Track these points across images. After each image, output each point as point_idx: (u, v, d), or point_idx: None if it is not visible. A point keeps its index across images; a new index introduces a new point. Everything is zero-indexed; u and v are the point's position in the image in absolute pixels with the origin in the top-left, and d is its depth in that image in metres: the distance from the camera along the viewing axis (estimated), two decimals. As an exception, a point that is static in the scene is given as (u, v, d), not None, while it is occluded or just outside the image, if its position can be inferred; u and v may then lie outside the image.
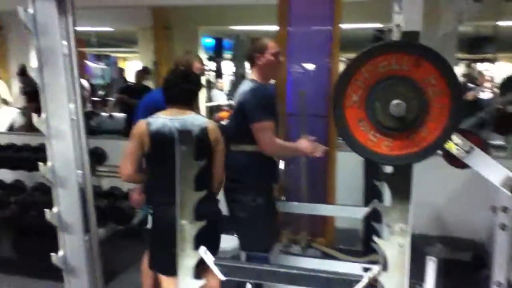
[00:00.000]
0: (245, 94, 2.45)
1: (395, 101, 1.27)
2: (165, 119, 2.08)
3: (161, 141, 1.96)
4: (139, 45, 8.73)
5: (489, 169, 1.52)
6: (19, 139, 4.59)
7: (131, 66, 15.01)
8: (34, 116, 3.92)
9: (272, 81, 2.79)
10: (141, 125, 2.07)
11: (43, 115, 1.40)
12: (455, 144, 1.54)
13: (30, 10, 1.34)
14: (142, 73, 7.40)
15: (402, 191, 1.53)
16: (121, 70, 12.44)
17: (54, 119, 1.42)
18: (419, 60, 1.32)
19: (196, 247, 1.60)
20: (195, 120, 2.16)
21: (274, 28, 3.90)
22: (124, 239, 4.04)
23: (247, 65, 5.10)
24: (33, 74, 1.38)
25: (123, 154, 2.08)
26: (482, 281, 2.86)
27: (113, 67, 16.43)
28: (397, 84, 1.32)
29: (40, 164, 1.45)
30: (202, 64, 2.81)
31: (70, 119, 1.40)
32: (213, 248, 2.15)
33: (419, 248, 3.76)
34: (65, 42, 1.37)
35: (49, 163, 1.44)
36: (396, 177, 1.51)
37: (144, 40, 8.30)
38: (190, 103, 2.22)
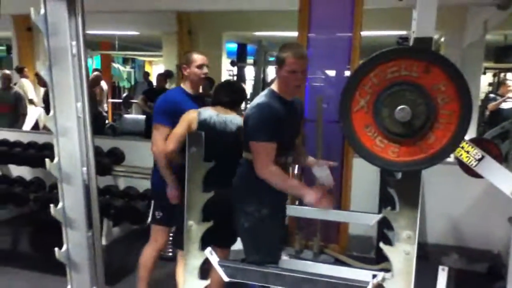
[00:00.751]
0: (251, 108, 2.27)
1: (400, 106, 1.26)
2: (212, 113, 2.50)
3: (206, 130, 2.14)
4: (163, 49, 8.86)
5: (501, 178, 1.49)
6: (41, 138, 4.70)
7: (157, 69, 15.29)
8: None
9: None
10: (192, 113, 2.50)
11: (51, 113, 1.44)
12: (466, 152, 1.52)
13: (42, 11, 1.39)
14: (163, 77, 7.51)
15: (410, 198, 1.52)
16: (146, 74, 12.67)
17: (61, 117, 1.46)
18: (429, 66, 1.31)
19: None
20: (234, 119, 2.51)
21: (297, 34, 3.91)
22: (138, 238, 4.08)
23: (269, 71, 5.02)
24: (42, 73, 1.42)
25: (171, 134, 2.46)
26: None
27: (139, 70, 16.76)
28: (404, 90, 1.31)
29: (47, 160, 1.48)
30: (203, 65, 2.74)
31: (77, 117, 1.44)
32: None
33: (435, 257, 3.74)
34: (74, 43, 1.41)
35: (55, 160, 1.47)
36: (404, 183, 1.50)
37: (168, 44, 8.42)
38: (234, 107, 2.60)
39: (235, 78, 10.36)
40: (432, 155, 1.33)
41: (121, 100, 11.88)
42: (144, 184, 4.26)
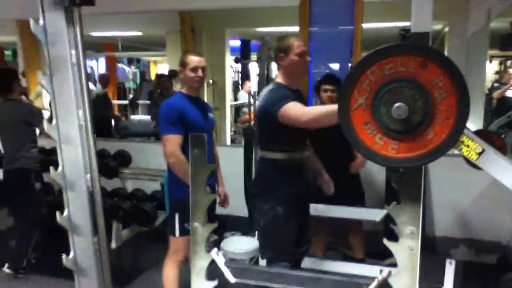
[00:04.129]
0: (263, 98, 2.35)
1: (396, 104, 1.26)
2: None
3: None
4: (167, 48, 8.87)
5: (502, 171, 1.48)
6: (50, 144, 4.73)
7: (162, 68, 15.33)
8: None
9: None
10: None
11: (53, 121, 1.46)
12: (466, 146, 1.51)
13: (41, 22, 1.40)
14: (163, 79, 7.36)
15: (412, 194, 1.52)
16: (144, 73, 12.64)
17: (64, 125, 1.47)
18: (425, 61, 1.31)
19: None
20: None
21: (298, 29, 3.91)
22: (147, 240, 4.11)
23: (273, 66, 5.08)
24: (43, 82, 1.44)
25: None
26: (507, 284, 2.78)
27: (144, 70, 16.81)
28: (402, 87, 1.30)
29: (51, 169, 1.50)
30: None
31: (79, 124, 1.45)
32: None
33: (443, 250, 3.72)
34: (73, 51, 1.43)
35: (59, 168, 1.49)
36: (405, 179, 1.50)
37: (171, 43, 8.43)
38: None
39: (239, 74, 10.36)
40: (431, 150, 1.33)
41: (127, 102, 11.92)
42: (151, 186, 4.30)
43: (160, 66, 16.75)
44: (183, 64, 2.60)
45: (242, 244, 3.49)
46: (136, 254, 3.87)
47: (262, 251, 2.51)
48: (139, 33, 9.19)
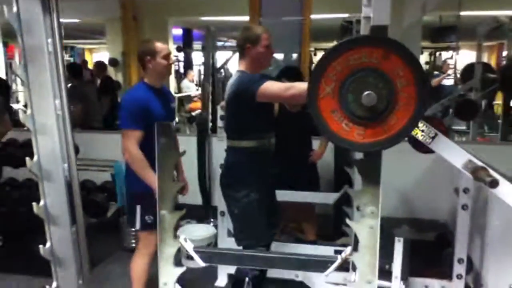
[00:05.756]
0: (233, 85, 2.36)
1: (366, 92, 1.35)
2: None
3: None
4: (107, 36, 8.60)
5: (452, 153, 1.63)
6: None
7: (98, 57, 14.78)
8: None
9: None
10: None
11: (28, 111, 1.42)
12: (421, 130, 1.65)
13: (14, 9, 1.36)
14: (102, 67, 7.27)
15: (372, 176, 1.62)
16: (85, 62, 12.18)
17: (40, 114, 1.43)
18: (387, 53, 1.41)
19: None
20: None
21: (245, 18, 3.96)
22: (98, 231, 4.03)
23: (217, 56, 5.07)
24: (18, 71, 1.39)
25: None
26: (447, 258, 3.03)
27: (77, 59, 16.10)
28: (367, 76, 1.40)
29: (27, 159, 1.47)
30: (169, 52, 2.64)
31: (56, 114, 1.43)
32: None
33: (387, 229, 3.95)
34: (50, 40, 1.39)
35: (35, 158, 1.46)
36: (366, 162, 1.60)
37: (112, 31, 8.18)
38: None
39: (181, 64, 10.24)
40: (394, 135, 1.44)
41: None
42: (101, 177, 4.22)
43: (96, 55, 16.15)
44: (151, 52, 2.53)
45: (199, 231, 3.55)
46: (88, 246, 3.78)
47: (238, 239, 2.52)
48: (77, 20, 8.83)
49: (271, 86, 2.24)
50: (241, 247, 2.47)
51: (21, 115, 1.41)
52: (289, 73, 3.47)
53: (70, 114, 1.46)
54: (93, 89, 6.41)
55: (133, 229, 3.18)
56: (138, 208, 2.58)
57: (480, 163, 1.63)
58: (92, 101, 5.90)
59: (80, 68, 6.57)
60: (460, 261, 2.82)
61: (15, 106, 7.25)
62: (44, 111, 1.42)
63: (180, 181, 2.90)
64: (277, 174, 2.72)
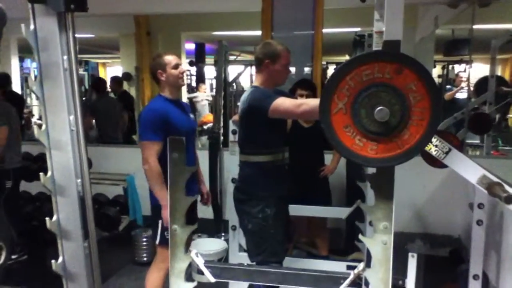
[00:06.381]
0: (246, 101, 2.36)
1: (378, 107, 1.34)
2: None
3: None
4: (121, 51, 8.72)
5: (467, 168, 1.61)
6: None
7: (111, 71, 14.97)
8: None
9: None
10: None
11: (43, 127, 1.44)
12: (434, 145, 1.63)
13: (31, 26, 1.38)
14: (117, 82, 7.29)
15: (385, 191, 1.60)
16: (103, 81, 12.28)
17: (54, 130, 1.46)
18: (400, 68, 1.40)
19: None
20: None
21: (257, 33, 3.98)
22: (111, 245, 4.05)
23: (229, 70, 5.10)
24: (33, 87, 1.42)
25: None
26: (462, 274, 2.98)
27: (91, 73, 16.31)
28: (380, 91, 1.39)
29: (41, 174, 1.49)
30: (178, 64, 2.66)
31: (70, 130, 1.44)
32: None
33: (400, 245, 3.90)
34: (65, 57, 1.41)
35: (49, 173, 1.47)
36: (379, 177, 1.59)
37: (126, 46, 8.31)
38: None
39: (193, 77, 10.33)
40: (407, 150, 1.43)
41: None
42: (113, 191, 4.25)
43: (110, 69, 16.36)
44: (161, 66, 2.57)
45: (210, 246, 3.53)
46: (100, 260, 3.79)
47: (251, 255, 2.49)
48: (91, 35, 8.97)
49: (283, 103, 2.22)
50: (253, 263, 2.45)
51: (35, 131, 1.43)
52: (304, 85, 3.48)
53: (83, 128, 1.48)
54: (116, 103, 6.44)
55: (145, 241, 3.17)
56: (160, 222, 2.59)
57: (495, 179, 1.61)
58: (116, 115, 5.95)
59: (104, 83, 6.64)
60: (475, 277, 2.76)
61: (33, 119, 7.35)
62: (58, 127, 1.44)
63: (201, 191, 2.90)
64: (289, 189, 2.70)
